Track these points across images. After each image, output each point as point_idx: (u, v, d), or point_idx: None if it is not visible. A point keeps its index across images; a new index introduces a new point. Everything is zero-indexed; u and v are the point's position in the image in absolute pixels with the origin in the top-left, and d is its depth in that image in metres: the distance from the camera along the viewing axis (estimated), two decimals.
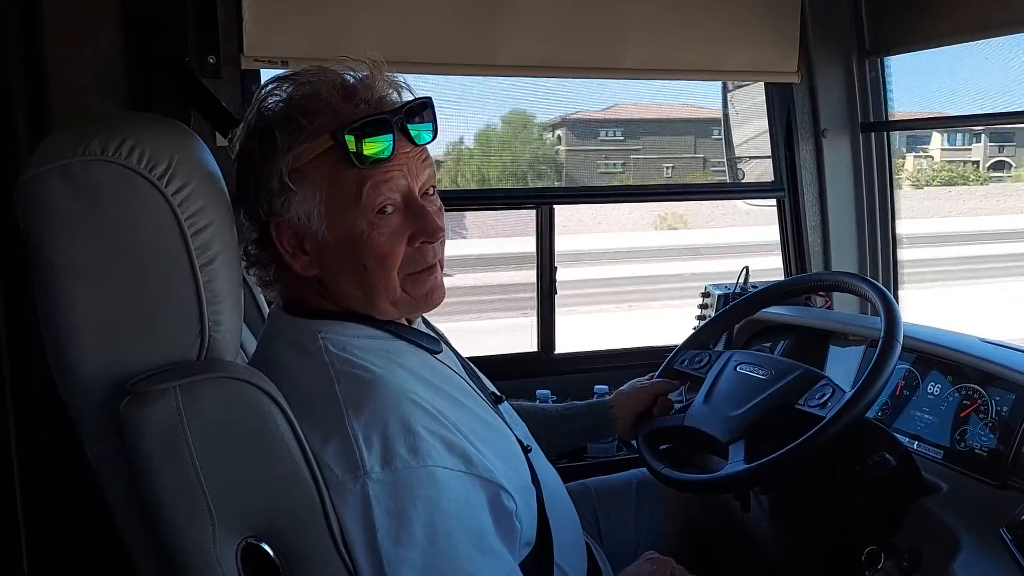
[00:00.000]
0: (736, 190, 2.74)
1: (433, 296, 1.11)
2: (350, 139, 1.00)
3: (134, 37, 1.80)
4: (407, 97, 1.09)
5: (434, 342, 1.17)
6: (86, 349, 0.90)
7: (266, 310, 1.51)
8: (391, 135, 1.02)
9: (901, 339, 1.34)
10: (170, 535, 0.90)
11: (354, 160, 1.00)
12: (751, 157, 2.60)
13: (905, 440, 1.48)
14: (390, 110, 1.04)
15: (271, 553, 0.95)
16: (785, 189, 2.46)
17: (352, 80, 1.05)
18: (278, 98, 1.05)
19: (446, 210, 1.15)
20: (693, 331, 1.76)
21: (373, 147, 1.01)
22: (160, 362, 0.92)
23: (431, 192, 1.10)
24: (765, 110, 2.45)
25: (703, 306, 2.31)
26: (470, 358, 1.34)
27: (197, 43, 1.87)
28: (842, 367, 1.72)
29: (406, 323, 1.16)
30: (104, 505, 0.98)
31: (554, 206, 2.29)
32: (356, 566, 0.95)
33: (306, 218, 1.03)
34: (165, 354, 0.92)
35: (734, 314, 1.76)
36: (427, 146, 1.09)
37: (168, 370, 0.91)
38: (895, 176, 2.45)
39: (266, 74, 1.99)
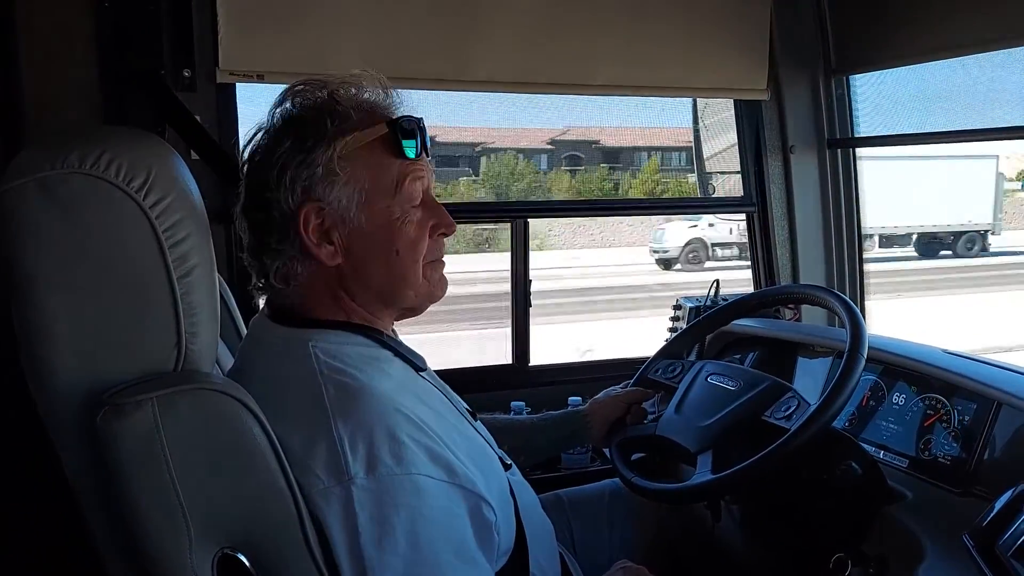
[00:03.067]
0: (707, 205, 2.78)
1: (443, 285, 1.18)
2: (401, 131, 1.09)
3: (109, 51, 1.80)
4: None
5: (419, 359, 1.19)
6: (63, 361, 0.90)
7: (242, 325, 1.51)
8: (419, 137, 1.11)
9: (865, 353, 1.36)
10: (146, 546, 0.89)
11: (403, 151, 1.09)
12: (721, 172, 2.65)
13: (872, 449, 1.51)
14: (418, 118, 1.12)
15: (247, 564, 0.95)
16: (754, 204, 2.50)
17: (378, 94, 1.13)
18: (318, 94, 1.09)
19: None
20: (666, 341, 1.78)
21: (410, 144, 1.10)
22: (137, 374, 0.92)
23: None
24: (734, 125, 2.50)
25: (675, 318, 2.34)
26: (443, 371, 1.36)
27: (172, 57, 1.87)
28: (810, 378, 1.75)
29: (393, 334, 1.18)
30: (78, 516, 0.98)
31: (528, 219, 2.31)
32: (339, 571, 0.95)
33: (346, 202, 1.07)
34: (142, 366, 0.92)
35: (706, 325, 1.78)
36: None
37: (145, 381, 0.90)
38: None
39: (242, 88, 1.99)
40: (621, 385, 1.69)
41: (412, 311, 1.18)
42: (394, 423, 1.00)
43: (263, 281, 1.12)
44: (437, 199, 1.18)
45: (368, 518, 0.95)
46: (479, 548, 1.04)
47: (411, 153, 1.10)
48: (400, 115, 1.11)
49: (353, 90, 1.10)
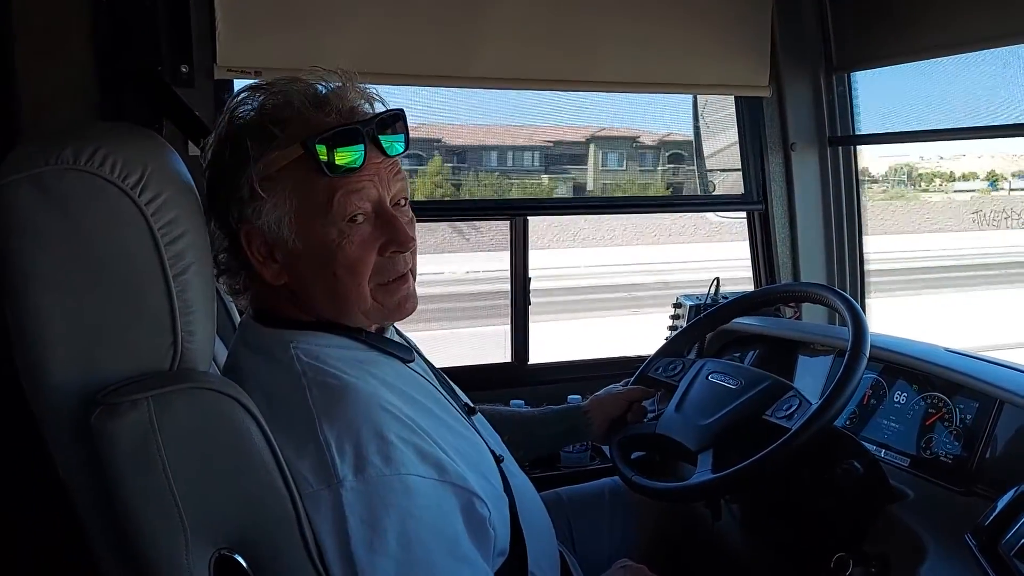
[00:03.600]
0: (707, 202, 2.78)
1: (405, 305, 1.11)
2: (321, 148, 1.00)
3: (105, 47, 1.79)
4: (379, 108, 1.09)
5: (406, 351, 1.17)
6: (57, 359, 0.89)
7: (238, 320, 1.50)
8: (362, 145, 1.03)
9: (867, 353, 1.35)
10: (141, 546, 0.89)
11: (325, 169, 1.01)
12: (722, 170, 2.64)
13: (873, 448, 1.51)
14: (361, 120, 1.04)
15: (244, 565, 0.94)
16: (755, 201, 2.49)
17: (324, 91, 1.06)
18: (249, 107, 1.05)
19: (420, 220, 1.16)
20: (666, 340, 1.77)
21: (344, 156, 1.01)
22: (132, 372, 0.91)
23: (403, 203, 1.10)
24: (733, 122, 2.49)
25: (675, 316, 2.33)
26: (443, 368, 1.34)
27: (170, 53, 1.86)
28: (810, 377, 1.74)
29: (376, 332, 1.16)
30: (73, 516, 0.97)
31: (528, 218, 2.31)
32: (328, 573, 0.94)
33: (276, 226, 1.03)
34: (137, 364, 0.91)
35: (707, 323, 1.78)
36: (399, 158, 1.10)
37: (140, 380, 0.89)
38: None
39: (239, 84, 1.98)
40: (622, 383, 1.68)
41: (374, 326, 1.14)
42: (381, 422, 0.99)
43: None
44: (405, 204, 1.11)
45: (358, 521, 0.94)
46: (473, 545, 1.03)
47: (355, 163, 1.02)
48: (339, 124, 1.02)
49: (288, 98, 1.04)
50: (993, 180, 16.35)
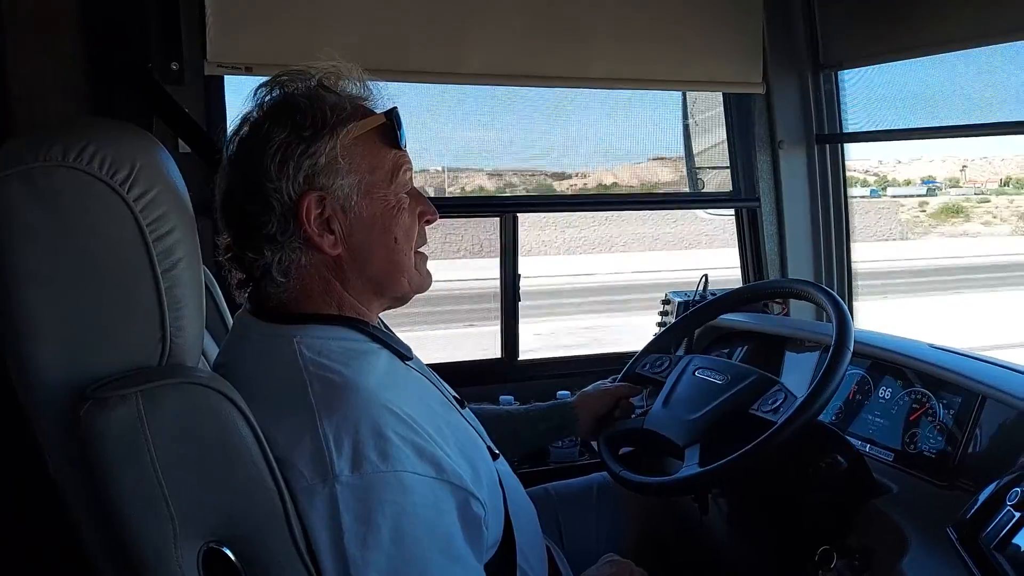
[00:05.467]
0: (696, 199, 2.79)
1: (430, 277, 1.20)
2: (395, 121, 1.12)
3: (96, 43, 1.79)
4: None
5: (405, 348, 1.18)
6: (46, 355, 0.89)
7: (229, 317, 1.51)
8: (402, 128, 1.14)
9: (851, 347, 1.37)
10: (131, 540, 0.89)
11: (397, 140, 1.12)
12: (711, 167, 2.65)
13: (858, 443, 1.52)
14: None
15: (233, 558, 0.95)
16: (743, 199, 2.51)
17: (360, 78, 1.14)
18: (309, 83, 1.10)
19: None
20: (654, 336, 1.79)
21: (402, 133, 1.13)
22: (121, 367, 0.91)
23: None
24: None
25: (663, 313, 2.35)
26: (433, 364, 1.35)
27: (160, 49, 1.86)
28: (797, 372, 1.76)
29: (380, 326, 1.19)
30: (63, 511, 0.98)
31: (517, 215, 2.32)
32: (321, 570, 0.95)
33: (347, 191, 1.08)
34: (126, 360, 0.92)
35: (694, 319, 1.79)
36: None
37: (129, 375, 0.90)
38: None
39: (230, 80, 1.99)
40: (610, 379, 1.69)
41: (400, 300, 1.18)
42: (380, 419, 0.99)
43: (256, 275, 1.10)
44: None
45: (352, 516, 0.95)
46: (467, 544, 1.03)
47: (402, 142, 1.13)
48: (382, 106, 1.13)
49: (333, 80, 1.11)
50: (930, 182, 16.48)
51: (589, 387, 1.67)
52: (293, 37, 1.95)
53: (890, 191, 16.15)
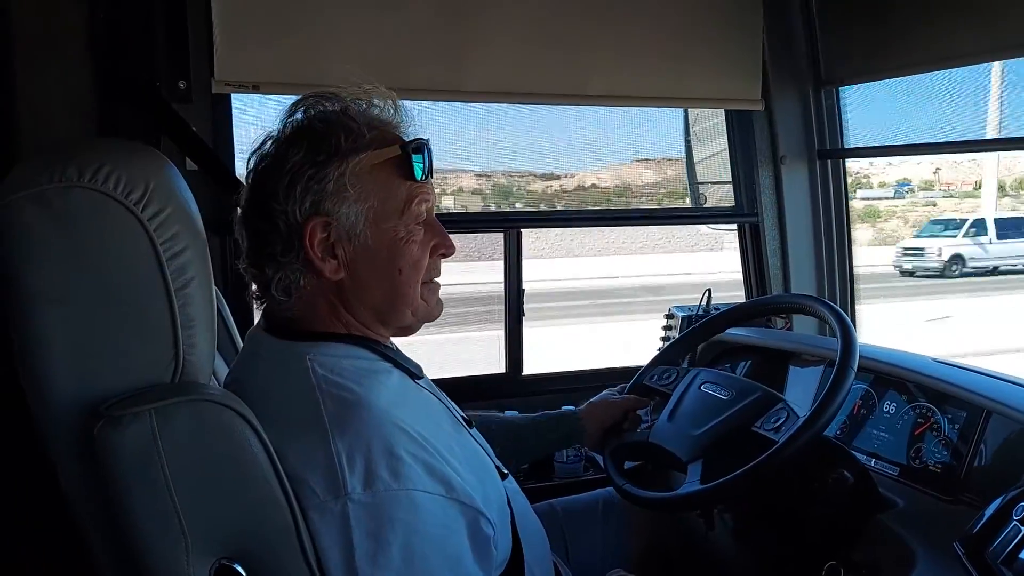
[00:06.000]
0: (698, 215, 2.80)
1: (439, 306, 1.19)
2: (416, 154, 1.10)
3: (103, 61, 1.80)
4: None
5: (416, 367, 1.19)
6: (60, 372, 0.90)
7: (238, 337, 1.51)
8: (425, 159, 1.12)
9: (855, 367, 1.37)
10: (143, 556, 0.90)
11: (413, 174, 1.10)
12: (712, 182, 2.67)
13: (863, 458, 1.52)
14: (424, 138, 1.14)
15: (244, 574, 0.95)
16: (746, 214, 2.52)
17: (392, 109, 1.14)
18: (332, 107, 1.11)
19: None
20: (659, 349, 1.79)
21: (419, 166, 1.11)
22: (135, 385, 0.92)
23: None
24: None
25: (667, 327, 2.35)
26: (436, 380, 1.36)
27: (168, 67, 1.88)
28: (801, 387, 1.76)
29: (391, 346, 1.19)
30: (75, 529, 0.98)
31: (521, 230, 2.33)
32: None
33: (354, 219, 1.07)
34: (139, 377, 0.93)
35: (700, 333, 1.79)
36: None
37: (142, 393, 0.90)
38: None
39: (237, 98, 2.00)
40: (617, 388, 1.69)
41: (407, 330, 1.18)
42: (392, 438, 0.99)
43: (260, 292, 1.13)
44: None
45: (364, 534, 0.95)
46: (476, 563, 1.04)
47: (419, 175, 1.11)
48: (411, 137, 1.12)
49: (364, 106, 1.12)
50: (903, 184, 16.43)
51: (596, 397, 1.67)
52: (299, 56, 1.97)
53: (859, 193, 16.08)
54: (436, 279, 1.18)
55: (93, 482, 0.91)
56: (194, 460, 0.90)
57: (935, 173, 17.00)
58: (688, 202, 2.85)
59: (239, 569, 0.95)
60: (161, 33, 1.86)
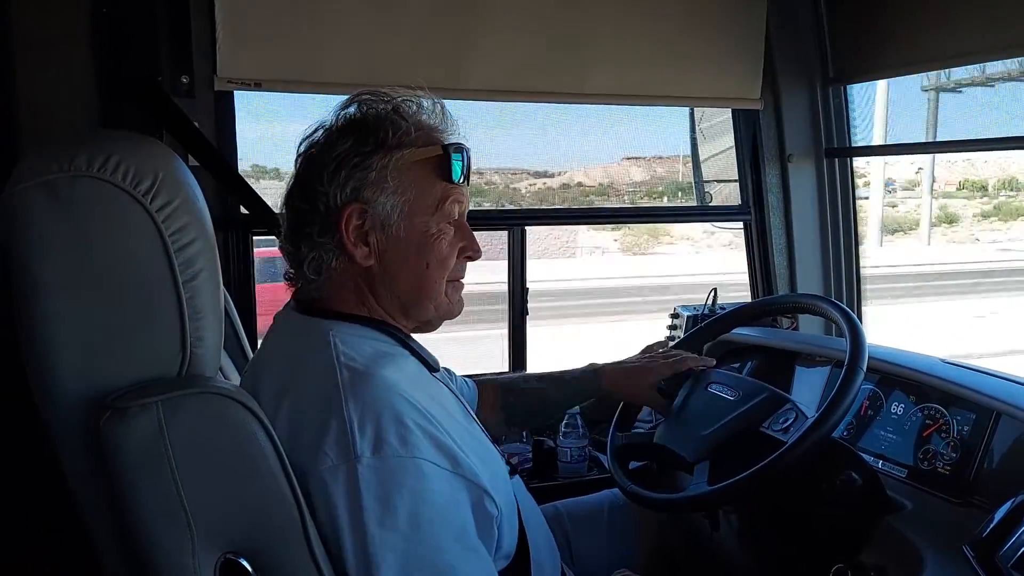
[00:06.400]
0: (704, 213, 2.79)
1: (460, 305, 1.24)
2: (456, 156, 1.16)
3: (106, 57, 1.79)
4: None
5: (434, 360, 1.23)
6: (67, 364, 0.90)
7: (242, 332, 1.51)
8: (463, 163, 1.18)
9: (864, 368, 1.36)
10: (148, 550, 0.89)
11: (450, 174, 1.16)
12: (718, 180, 2.65)
13: (870, 459, 1.51)
14: (465, 144, 1.20)
15: (249, 569, 0.94)
16: (752, 212, 2.51)
17: (440, 112, 1.20)
18: (384, 106, 1.16)
19: None
20: (671, 345, 1.78)
21: (457, 168, 1.17)
22: (141, 377, 0.91)
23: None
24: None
25: (672, 327, 2.34)
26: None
27: (170, 63, 1.87)
28: (808, 387, 1.75)
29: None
30: (80, 520, 0.98)
31: (526, 227, 2.32)
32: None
33: (389, 210, 1.13)
34: (146, 369, 0.92)
35: (706, 333, 1.78)
36: None
37: (149, 385, 0.90)
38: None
39: (239, 95, 1.99)
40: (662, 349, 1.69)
41: (428, 325, 1.22)
42: (400, 407, 1.02)
43: (294, 270, 1.18)
44: None
45: (372, 496, 0.97)
46: (479, 538, 1.05)
47: (456, 177, 1.16)
48: (452, 140, 1.18)
49: (414, 108, 1.17)
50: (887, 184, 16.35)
51: (629, 363, 1.65)
52: (302, 53, 1.97)
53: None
54: (461, 279, 1.23)
55: (99, 474, 0.90)
56: (200, 453, 0.90)
57: (917, 173, 16.99)
58: (673, 198, 2.84)
59: (244, 564, 0.94)
60: (164, 29, 1.86)
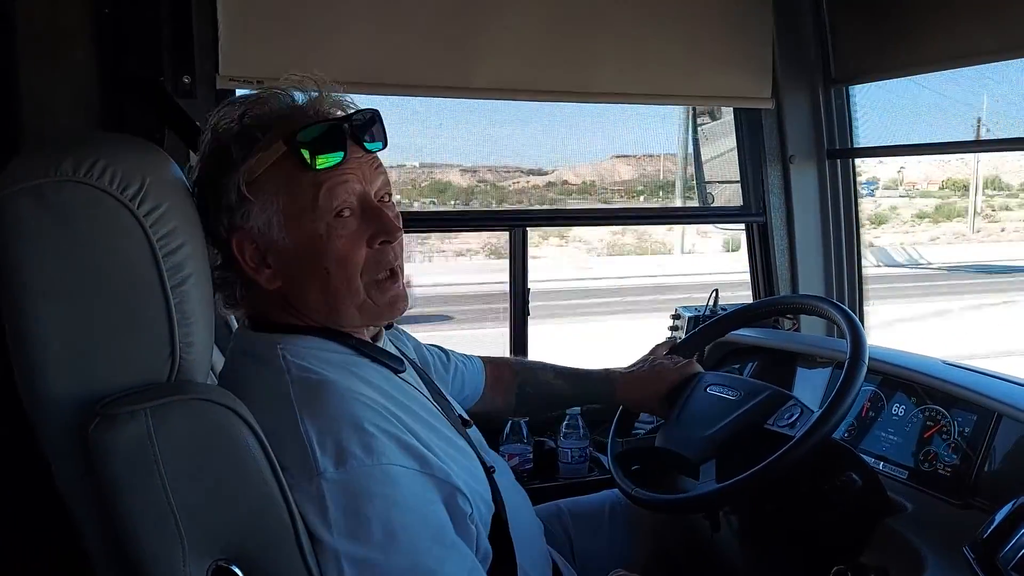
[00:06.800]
0: (706, 214, 2.78)
1: (397, 305, 1.13)
2: (304, 142, 1.03)
3: (108, 56, 1.79)
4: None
5: (396, 360, 1.17)
6: (55, 370, 0.89)
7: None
8: (344, 140, 1.05)
9: (867, 359, 1.36)
10: (139, 558, 0.89)
11: (308, 163, 1.03)
12: (721, 181, 2.65)
13: (871, 460, 1.51)
14: (339, 118, 1.08)
15: (241, 575, 0.94)
16: (754, 213, 2.50)
17: (303, 97, 1.09)
18: (230, 119, 1.07)
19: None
20: (672, 347, 1.77)
21: (326, 151, 1.04)
22: (131, 383, 0.91)
23: (387, 199, 1.12)
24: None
25: (674, 328, 2.33)
26: None
27: (172, 63, 1.87)
28: (809, 388, 1.75)
29: (369, 340, 1.17)
30: (71, 527, 0.97)
31: (527, 228, 2.31)
32: (321, 565, 0.95)
33: (266, 227, 1.05)
34: (136, 375, 0.92)
35: (707, 334, 1.78)
36: (379, 155, 1.12)
37: (138, 392, 0.90)
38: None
39: (242, 94, 1.99)
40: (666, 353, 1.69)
41: (371, 323, 1.16)
42: (359, 413, 1.00)
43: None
44: (389, 200, 1.13)
45: (341, 512, 0.95)
46: (458, 535, 1.04)
47: (336, 158, 1.04)
48: (317, 119, 1.05)
49: (268, 106, 1.08)
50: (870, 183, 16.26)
51: (639, 371, 1.65)
52: (304, 51, 1.96)
53: None
54: (388, 272, 1.11)
55: (88, 481, 0.90)
56: (191, 460, 0.90)
57: (899, 172, 16.91)
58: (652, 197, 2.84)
59: (236, 570, 0.94)
60: (165, 28, 1.86)
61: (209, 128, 1.08)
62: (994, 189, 17.36)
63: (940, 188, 17.01)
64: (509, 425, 2.01)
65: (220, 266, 1.08)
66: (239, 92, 1.97)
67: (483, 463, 1.19)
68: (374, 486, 0.96)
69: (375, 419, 1.00)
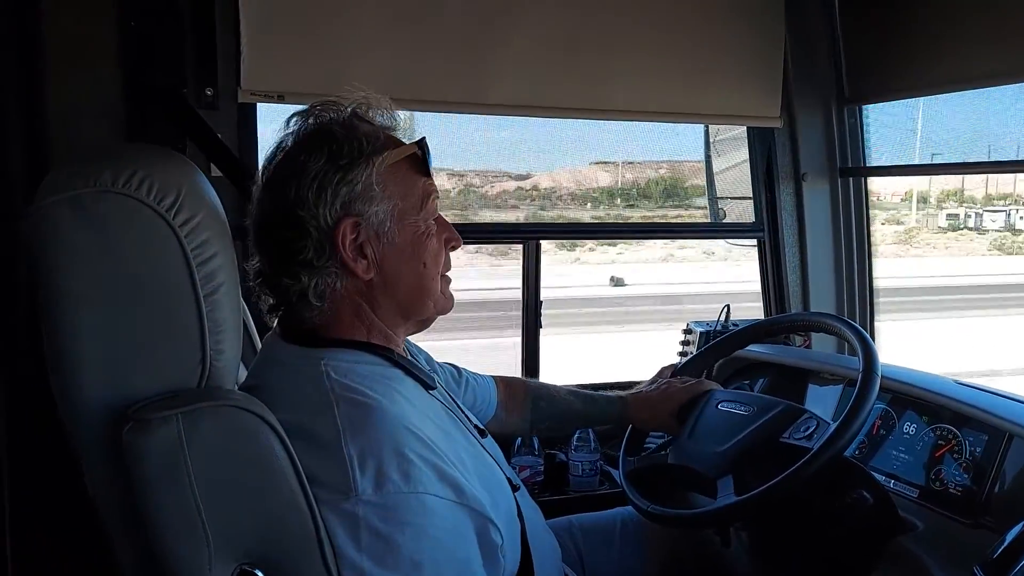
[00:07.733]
0: (718, 230, 2.80)
1: (451, 301, 1.23)
2: (424, 149, 1.15)
3: (133, 69, 1.83)
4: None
5: (429, 378, 1.19)
6: (91, 375, 0.91)
7: (258, 342, 1.52)
8: (428, 158, 1.17)
9: (880, 372, 1.37)
10: (166, 560, 0.90)
11: (427, 170, 1.16)
12: (732, 197, 2.66)
13: (881, 478, 1.51)
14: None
15: None
16: (765, 230, 2.52)
17: (389, 106, 1.19)
18: (342, 114, 1.13)
19: None
20: (678, 366, 1.79)
21: (429, 162, 1.17)
22: (162, 389, 0.93)
23: None
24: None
25: (685, 343, 2.34)
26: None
27: (195, 75, 1.91)
28: (820, 405, 1.75)
29: (409, 357, 1.20)
30: (100, 530, 0.99)
31: (540, 241, 2.33)
32: None
33: (382, 218, 1.11)
34: (167, 381, 0.94)
35: (717, 351, 1.79)
36: None
37: (170, 397, 0.92)
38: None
39: (263, 108, 2.02)
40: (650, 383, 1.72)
41: (425, 323, 1.21)
42: (403, 441, 1.00)
43: (282, 301, 1.13)
44: None
45: (373, 536, 0.96)
46: (484, 570, 1.04)
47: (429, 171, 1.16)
48: (406, 136, 1.17)
49: (370, 112, 1.15)
50: None
51: (648, 391, 1.70)
52: (326, 66, 1.99)
53: None
54: (448, 272, 1.22)
55: (119, 484, 0.91)
56: (219, 465, 0.91)
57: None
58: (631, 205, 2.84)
59: (259, 575, 0.95)
60: (190, 43, 1.89)
61: (311, 117, 1.13)
62: (958, 202, 17.09)
63: (903, 199, 16.82)
64: (520, 437, 2.03)
65: (314, 258, 1.08)
66: (261, 105, 2.01)
67: (509, 480, 1.21)
68: (408, 515, 0.97)
69: (416, 446, 1.00)
